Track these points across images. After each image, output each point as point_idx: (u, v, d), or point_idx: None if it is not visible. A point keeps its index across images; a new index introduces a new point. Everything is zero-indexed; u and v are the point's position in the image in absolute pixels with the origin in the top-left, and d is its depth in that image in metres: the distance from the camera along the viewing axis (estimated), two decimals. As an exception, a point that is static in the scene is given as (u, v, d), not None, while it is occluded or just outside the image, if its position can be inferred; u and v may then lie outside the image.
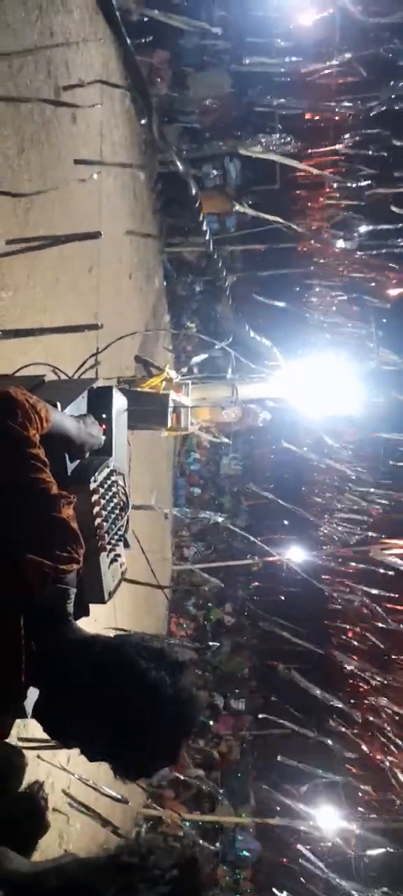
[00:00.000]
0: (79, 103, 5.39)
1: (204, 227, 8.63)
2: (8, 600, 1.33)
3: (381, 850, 7.52)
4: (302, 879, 7.77)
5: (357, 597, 9.22)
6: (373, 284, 10.24)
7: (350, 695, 8.99)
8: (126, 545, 2.12)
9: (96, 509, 1.86)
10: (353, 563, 9.49)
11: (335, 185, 9.67)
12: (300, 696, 7.92)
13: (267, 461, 13.23)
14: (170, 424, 5.65)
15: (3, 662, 1.32)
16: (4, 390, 1.48)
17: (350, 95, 9.17)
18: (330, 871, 7.03)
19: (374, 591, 8.83)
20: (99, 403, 2.14)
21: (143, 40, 7.73)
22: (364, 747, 8.41)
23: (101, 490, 1.90)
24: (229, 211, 10.28)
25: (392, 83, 8.27)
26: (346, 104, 9.20)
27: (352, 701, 8.80)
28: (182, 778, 8.36)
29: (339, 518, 10.47)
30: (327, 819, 7.38)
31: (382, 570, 8.52)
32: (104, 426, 2.06)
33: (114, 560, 1.97)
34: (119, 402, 2.24)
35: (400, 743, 8.15)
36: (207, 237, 8.83)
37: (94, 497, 1.85)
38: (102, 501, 1.89)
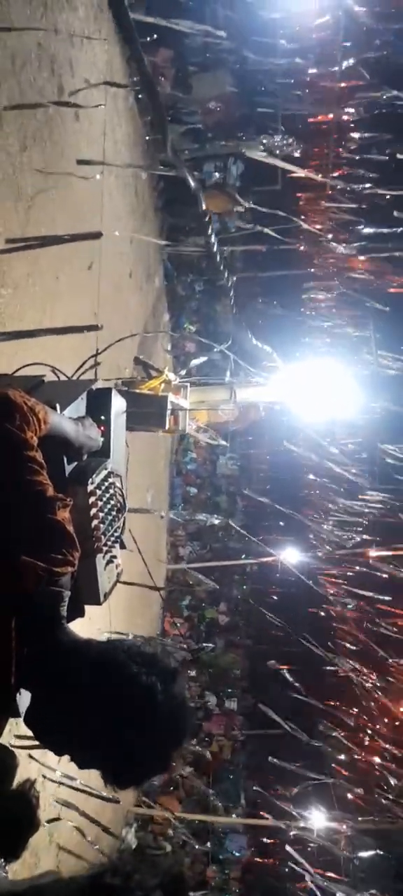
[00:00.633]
0: (83, 102, 5.39)
1: (210, 230, 8.64)
2: (1, 600, 1.32)
3: (371, 852, 7.55)
4: (290, 880, 7.79)
5: (351, 599, 9.25)
6: (372, 287, 10.26)
7: (342, 696, 9.02)
8: (122, 546, 2.14)
9: (93, 511, 1.87)
10: (347, 565, 9.51)
11: (338, 187, 9.68)
12: (292, 696, 7.94)
13: (263, 461, 13.25)
14: (167, 426, 5.65)
15: None
16: (3, 392, 1.48)
17: (353, 98, 9.18)
18: (319, 872, 7.05)
19: (368, 594, 8.86)
20: (98, 405, 2.15)
21: (148, 39, 7.72)
22: (355, 749, 8.43)
23: (99, 492, 1.91)
24: (230, 211, 10.29)
25: (395, 92, 8.29)
26: (349, 107, 9.21)
27: (344, 703, 8.83)
28: (174, 777, 8.38)
29: (334, 520, 10.49)
30: (317, 820, 7.40)
31: (377, 574, 8.55)
32: (102, 428, 2.07)
33: (109, 561, 1.99)
34: (117, 403, 2.25)
35: (391, 746, 8.18)
36: (212, 238, 8.83)
37: (92, 498, 1.86)
38: (99, 503, 1.90)
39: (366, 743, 8.52)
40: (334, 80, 9.10)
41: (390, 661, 8.43)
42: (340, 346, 10.14)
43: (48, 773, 4.23)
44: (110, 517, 1.98)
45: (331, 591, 9.52)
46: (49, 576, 1.36)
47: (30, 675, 1.36)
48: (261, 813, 8.17)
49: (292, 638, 8.24)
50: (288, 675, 7.70)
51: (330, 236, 9.85)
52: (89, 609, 1.85)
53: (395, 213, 8.73)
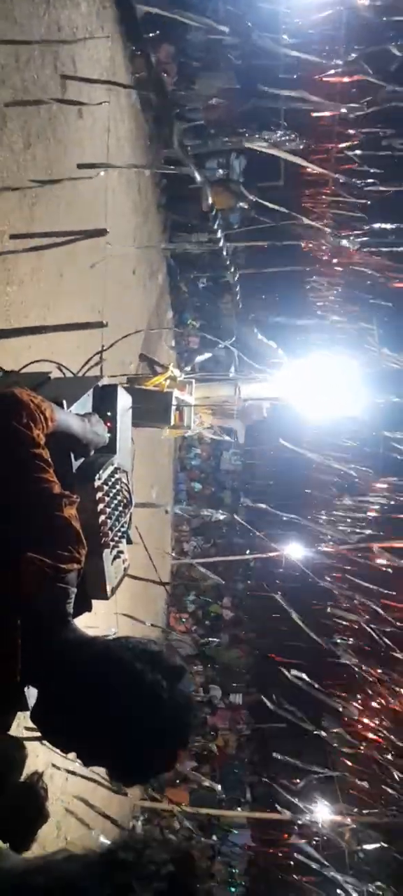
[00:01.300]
0: (86, 98, 5.40)
1: (216, 226, 8.63)
2: (7, 598, 1.34)
3: (376, 845, 7.58)
4: (296, 873, 7.83)
5: (355, 593, 9.25)
6: (376, 283, 10.23)
7: (347, 690, 9.03)
8: (129, 541, 2.16)
9: (100, 506, 1.89)
10: (352, 559, 9.51)
11: (341, 181, 9.65)
12: (297, 690, 7.95)
13: (267, 457, 13.25)
14: (172, 422, 5.66)
15: None
16: (9, 391, 1.49)
17: (356, 93, 9.14)
18: (324, 865, 7.08)
19: (373, 587, 8.86)
20: (104, 401, 2.17)
21: (150, 34, 7.71)
22: (360, 742, 8.45)
23: (106, 487, 1.93)
24: (233, 207, 10.27)
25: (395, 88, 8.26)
26: (352, 102, 9.17)
27: (349, 696, 8.85)
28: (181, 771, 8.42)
29: (338, 515, 10.48)
30: (322, 813, 7.43)
31: (382, 568, 8.54)
32: (109, 424, 2.10)
33: (117, 556, 2.01)
34: (123, 400, 2.27)
35: (395, 738, 8.19)
36: (218, 233, 8.83)
37: (99, 494, 1.88)
38: (106, 499, 1.93)
39: (371, 736, 8.54)
40: (337, 74, 9.07)
41: (396, 654, 8.44)
42: (343, 342, 10.12)
43: (57, 764, 4.27)
44: (117, 512, 2.00)
45: (336, 586, 9.53)
46: (55, 573, 1.37)
47: (36, 673, 1.37)
48: (267, 807, 8.21)
49: (298, 632, 8.24)
50: (289, 674, 7.70)
51: (329, 231, 9.82)
52: (95, 605, 1.87)
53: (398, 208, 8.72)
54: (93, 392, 2.13)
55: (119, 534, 2.02)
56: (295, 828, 7.63)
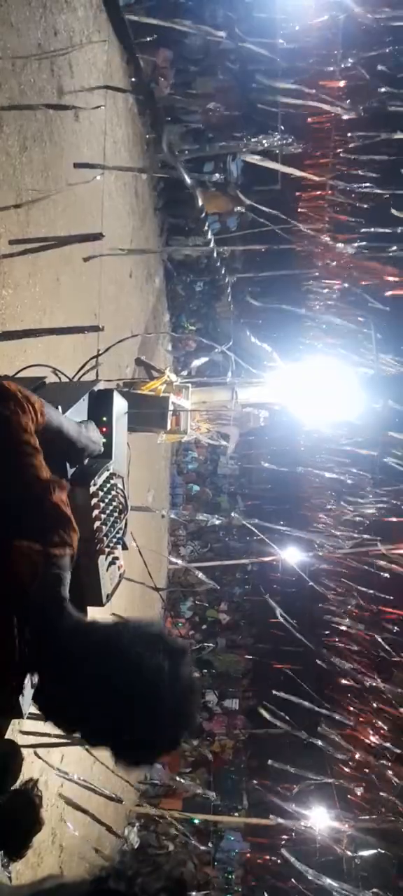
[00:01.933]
0: (83, 103, 5.39)
1: (206, 228, 8.63)
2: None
3: (372, 851, 7.54)
4: (292, 879, 7.78)
5: (351, 597, 9.24)
6: (373, 286, 10.24)
7: (343, 695, 9.01)
8: (124, 547, 2.14)
9: (95, 512, 1.87)
10: (348, 564, 9.50)
11: (338, 186, 9.67)
12: (293, 694, 7.93)
13: (263, 461, 13.23)
14: (169, 427, 5.64)
15: None
16: None
17: (352, 97, 9.16)
18: (320, 871, 7.05)
19: (370, 592, 8.86)
20: (99, 406, 2.15)
21: (148, 39, 7.72)
22: (356, 749, 8.42)
23: (101, 493, 1.91)
24: (230, 211, 10.28)
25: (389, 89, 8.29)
26: (349, 106, 9.19)
27: (345, 702, 8.83)
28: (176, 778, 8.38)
29: (334, 520, 10.48)
30: (319, 819, 7.39)
31: (377, 573, 8.53)
32: (104, 429, 2.08)
33: (112, 563, 1.99)
34: (119, 405, 2.26)
35: (391, 745, 8.18)
36: (209, 236, 8.82)
37: (94, 500, 1.86)
38: (101, 504, 1.91)
39: (367, 742, 8.52)
40: (333, 78, 9.09)
41: (392, 659, 8.42)
42: (340, 347, 10.12)
43: (51, 771, 4.23)
44: (112, 518, 1.99)
45: (331, 591, 9.52)
46: (46, 559, 1.35)
47: (35, 659, 1.35)
48: (264, 813, 8.17)
49: (296, 638, 8.22)
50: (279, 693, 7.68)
51: (326, 237, 9.83)
52: (90, 611, 1.85)
53: (394, 212, 8.72)
54: (88, 397, 2.11)
55: (114, 540, 2.00)
56: (292, 834, 7.59)
